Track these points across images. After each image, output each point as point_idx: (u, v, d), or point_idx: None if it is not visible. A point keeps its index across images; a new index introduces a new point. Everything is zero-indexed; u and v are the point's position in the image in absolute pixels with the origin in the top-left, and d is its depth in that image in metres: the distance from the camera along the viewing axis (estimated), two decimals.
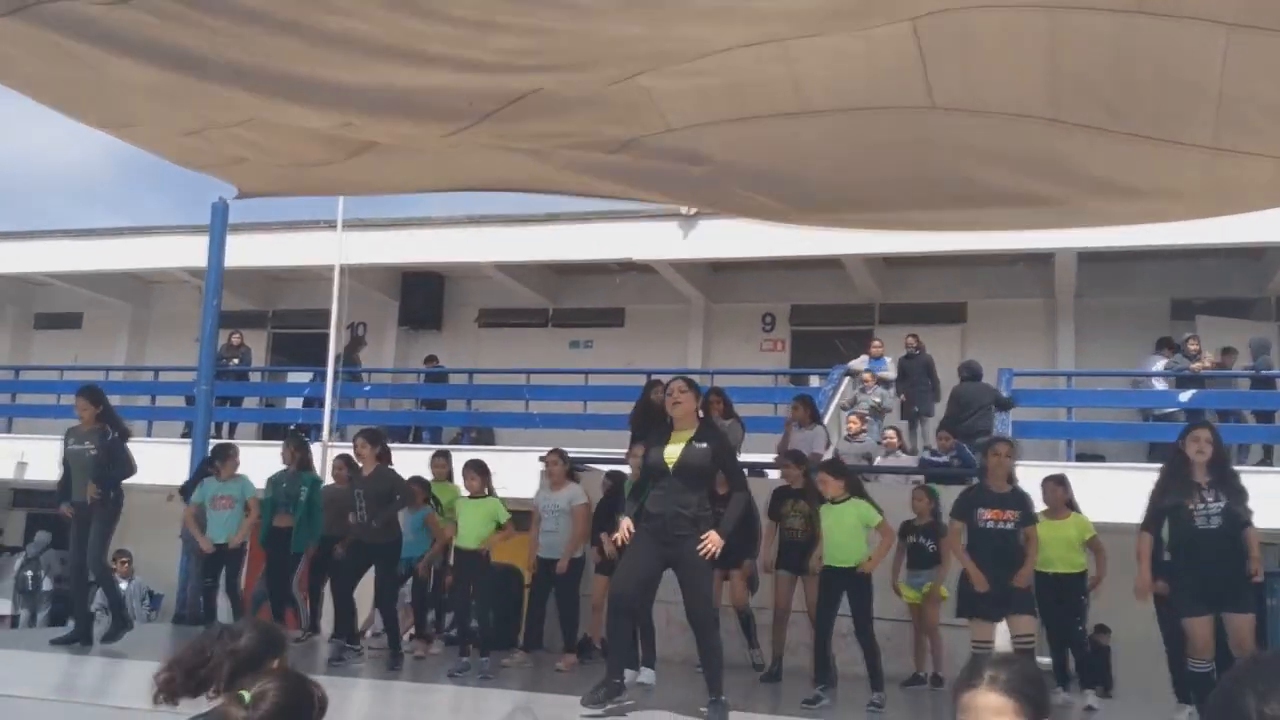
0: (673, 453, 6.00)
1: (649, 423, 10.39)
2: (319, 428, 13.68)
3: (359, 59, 4.39)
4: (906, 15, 3.90)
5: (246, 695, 2.39)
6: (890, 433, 12.48)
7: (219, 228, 11.26)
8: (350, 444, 9.38)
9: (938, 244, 14.86)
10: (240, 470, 9.10)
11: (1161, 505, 6.46)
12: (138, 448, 8.57)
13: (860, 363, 14.22)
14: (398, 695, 7.30)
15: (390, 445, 8.71)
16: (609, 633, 6.33)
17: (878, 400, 12.70)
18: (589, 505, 8.57)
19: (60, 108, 5.39)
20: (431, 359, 17.32)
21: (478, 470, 8.19)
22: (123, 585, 13.83)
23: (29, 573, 15.15)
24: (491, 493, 8.18)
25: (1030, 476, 8.23)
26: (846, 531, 7.06)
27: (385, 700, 7.21)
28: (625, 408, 11.32)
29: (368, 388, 17.19)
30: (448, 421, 16.68)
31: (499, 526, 8.04)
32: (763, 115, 4.80)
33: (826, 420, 12.28)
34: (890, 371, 14.07)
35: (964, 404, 13.11)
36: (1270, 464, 13.17)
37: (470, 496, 8.19)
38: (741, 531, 7.60)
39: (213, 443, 11.08)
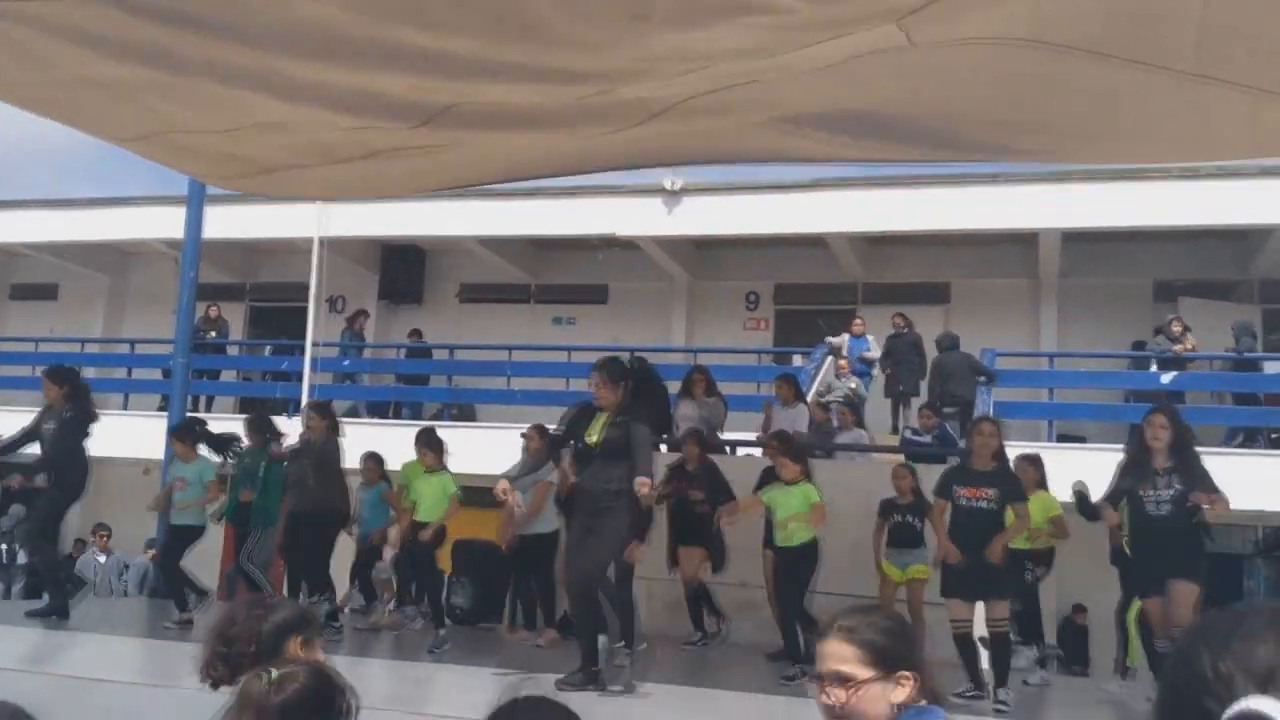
0: (596, 434, 6.34)
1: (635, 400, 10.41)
2: (297, 403, 13.56)
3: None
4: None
5: (273, 674, 2.32)
6: (844, 410, 12.46)
7: (196, 199, 11.08)
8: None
9: (921, 223, 14.88)
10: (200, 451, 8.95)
11: (1119, 487, 6.58)
12: (115, 421, 8.51)
13: (841, 340, 14.21)
14: (376, 671, 7.26)
15: (369, 421, 8.66)
16: (577, 622, 6.53)
17: (853, 387, 12.65)
18: (550, 483, 8.53)
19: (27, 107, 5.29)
20: (415, 333, 17.23)
21: (430, 443, 8.17)
22: (101, 559, 13.78)
23: (3, 546, 15.03)
24: (444, 466, 8.19)
25: (1010, 457, 8.23)
26: (793, 514, 7.21)
27: (364, 676, 7.14)
28: None
29: (346, 362, 17.07)
30: (428, 398, 16.60)
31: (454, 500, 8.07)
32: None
33: (810, 399, 12.25)
34: (874, 350, 14.07)
35: (944, 374, 13.20)
36: (1253, 446, 13.24)
37: (426, 471, 8.17)
38: (704, 519, 8.06)
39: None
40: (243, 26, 4.13)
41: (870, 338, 14.23)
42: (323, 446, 8.41)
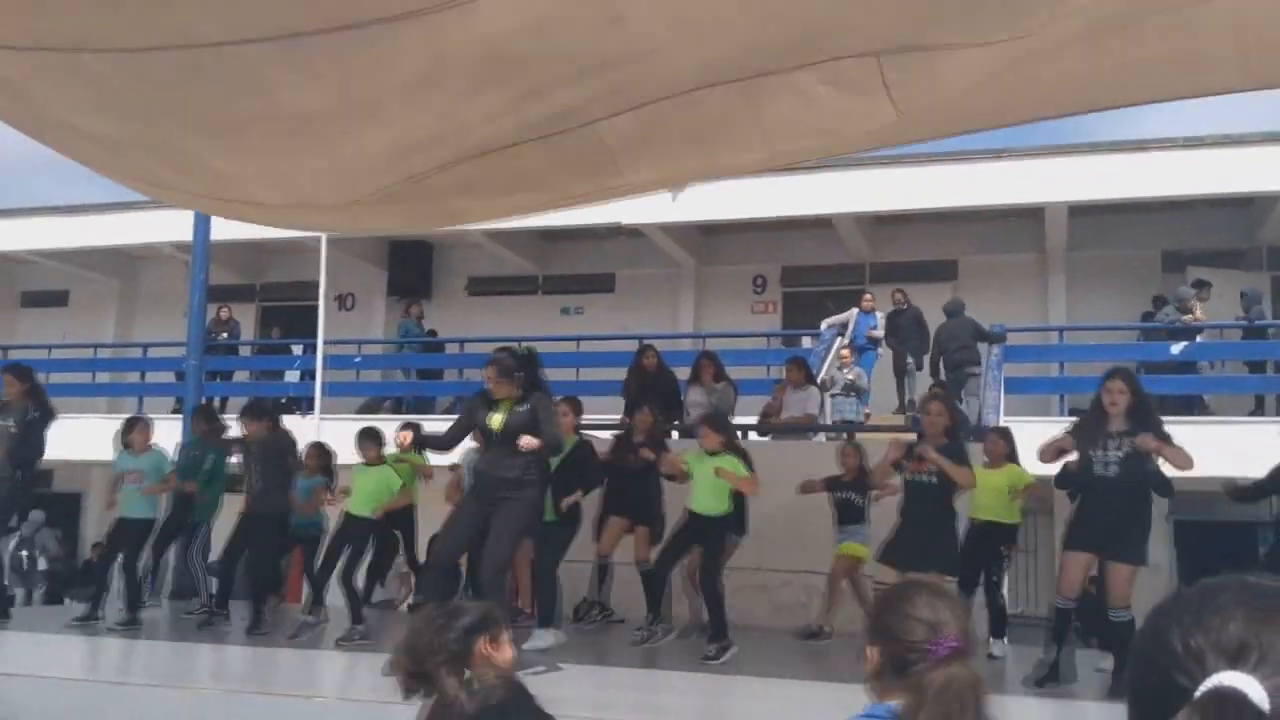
0: (498, 419, 6.42)
1: (644, 387, 10.45)
2: (310, 400, 13.62)
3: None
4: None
5: (473, 683, 2.38)
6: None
7: None
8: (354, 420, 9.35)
9: (927, 201, 14.84)
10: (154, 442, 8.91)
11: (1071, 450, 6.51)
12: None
13: (850, 315, 14.15)
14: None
15: (382, 416, 8.71)
16: (425, 590, 6.72)
17: (852, 378, 12.53)
18: None
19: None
20: (414, 309, 17.08)
21: (372, 438, 8.23)
22: None
23: (24, 553, 15.11)
24: (384, 460, 8.26)
25: (1026, 434, 8.23)
26: (710, 483, 7.26)
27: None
28: (618, 374, 11.31)
29: (358, 359, 17.12)
30: (440, 391, 16.63)
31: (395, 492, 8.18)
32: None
33: (820, 379, 12.26)
34: (880, 329, 14.02)
35: (945, 340, 13.22)
36: (1261, 414, 13.21)
37: (365, 464, 8.20)
38: (638, 490, 8.24)
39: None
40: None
41: (879, 314, 14.16)
42: (266, 446, 8.41)
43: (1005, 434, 8.04)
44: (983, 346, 13.37)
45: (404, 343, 16.54)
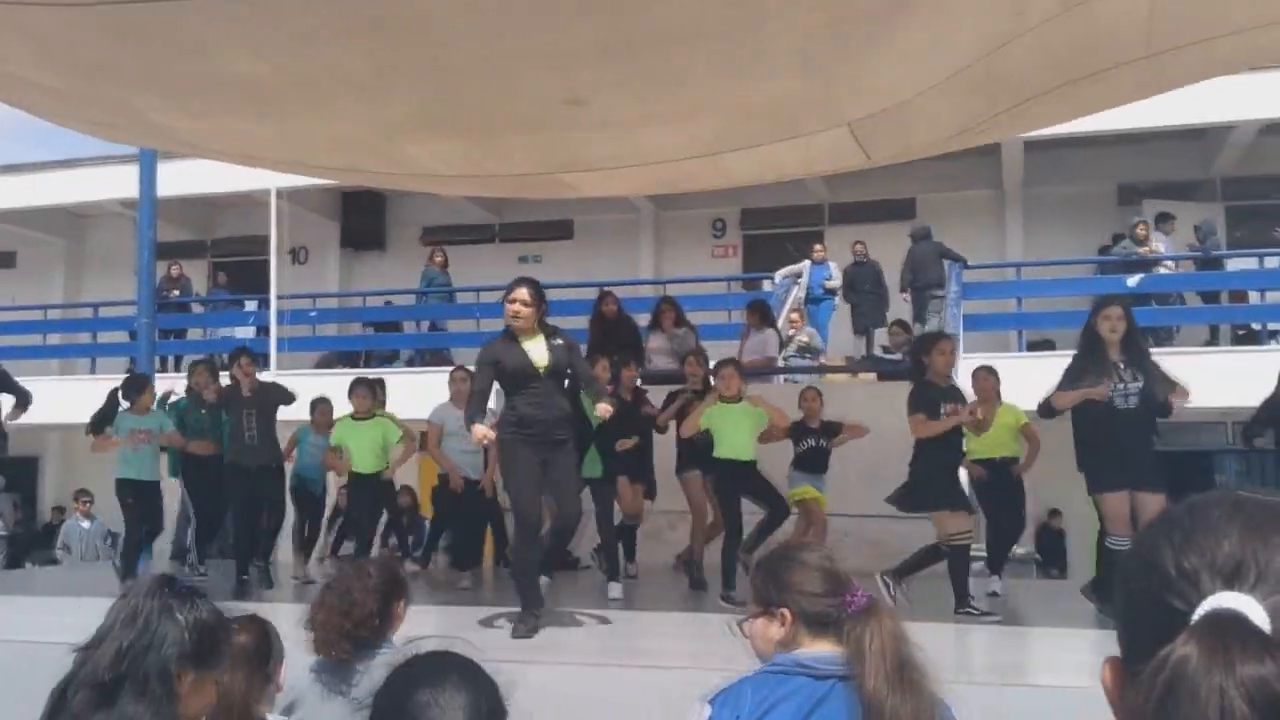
0: (540, 356, 5.89)
1: (605, 335, 10.40)
2: (266, 356, 13.44)
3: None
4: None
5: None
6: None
7: (149, 156, 10.86)
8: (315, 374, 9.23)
9: None
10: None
11: (1080, 386, 6.32)
12: (83, 386, 8.42)
13: (802, 267, 13.98)
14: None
15: (340, 372, 8.63)
16: (520, 563, 6.10)
17: (805, 340, 12.46)
18: None
19: None
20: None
21: (366, 388, 8.08)
22: (85, 525, 13.68)
23: None
24: (376, 412, 8.17)
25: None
26: (739, 428, 7.23)
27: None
28: (580, 322, 11.23)
29: (313, 313, 16.92)
30: (399, 344, 16.49)
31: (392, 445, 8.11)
32: None
33: (780, 324, 12.25)
34: (835, 278, 13.82)
35: (914, 263, 13.29)
36: (1215, 344, 13.38)
37: (355, 417, 8.05)
38: (636, 449, 7.91)
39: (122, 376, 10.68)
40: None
41: (832, 264, 13.96)
42: (261, 396, 8.27)
43: (993, 371, 7.97)
44: (949, 267, 13.34)
45: (428, 292, 15.75)
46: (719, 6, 3.85)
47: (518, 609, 5.82)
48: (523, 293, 5.88)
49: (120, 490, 8.38)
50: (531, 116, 4.59)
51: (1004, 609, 6.92)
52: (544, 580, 6.50)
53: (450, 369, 8.97)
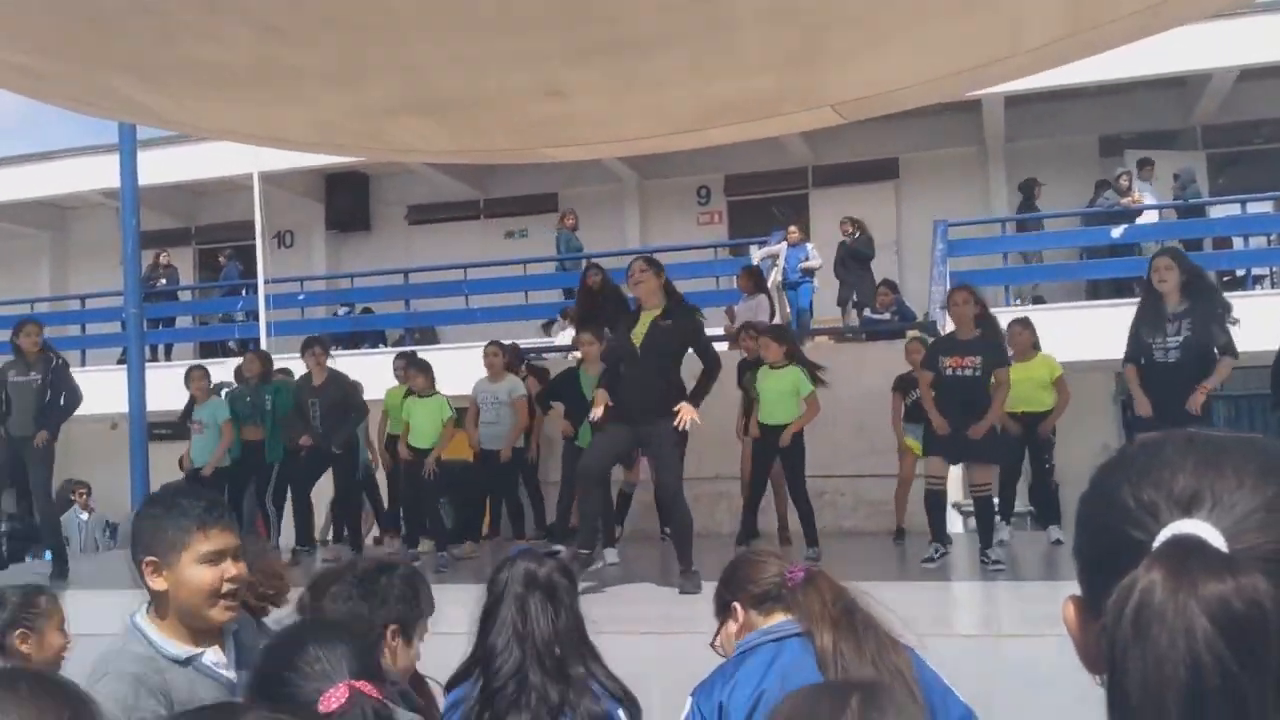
0: (639, 332, 6.04)
1: (592, 308, 10.41)
2: (256, 341, 13.44)
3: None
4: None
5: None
6: None
7: (128, 145, 10.80)
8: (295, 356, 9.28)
9: None
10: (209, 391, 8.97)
11: (1139, 343, 6.40)
12: (75, 378, 8.41)
13: (779, 249, 13.68)
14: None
15: (334, 352, 8.69)
16: (583, 504, 6.44)
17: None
18: (527, 396, 8.60)
19: None
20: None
21: (421, 368, 8.15)
22: (83, 517, 13.72)
23: None
24: (435, 389, 8.23)
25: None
26: (781, 395, 7.34)
27: None
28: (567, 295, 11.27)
29: (301, 296, 16.89)
30: (388, 324, 16.48)
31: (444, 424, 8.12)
32: None
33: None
34: (814, 260, 13.44)
35: None
36: None
37: (419, 395, 8.15)
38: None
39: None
40: None
41: (809, 245, 13.61)
42: (331, 384, 8.44)
43: (1027, 324, 7.97)
44: (934, 224, 13.23)
45: (563, 259, 15.21)
46: (692, 12, 3.89)
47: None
48: (638, 263, 6.23)
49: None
50: (510, 105, 4.61)
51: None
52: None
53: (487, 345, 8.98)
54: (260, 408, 8.92)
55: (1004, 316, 8.73)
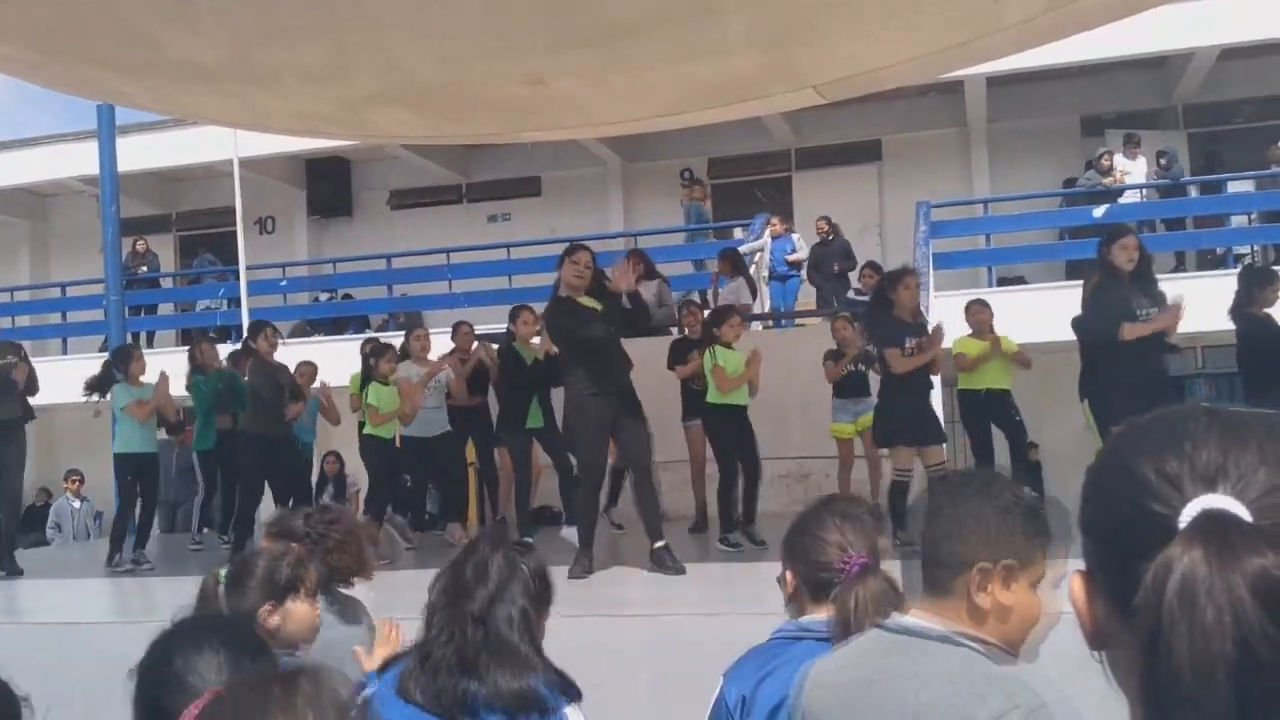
0: (594, 305, 6.32)
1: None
2: (238, 328, 13.38)
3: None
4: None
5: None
6: None
7: (107, 131, 10.74)
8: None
9: None
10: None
11: (1126, 305, 6.31)
12: (56, 366, 8.37)
13: (762, 243, 13.49)
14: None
15: (315, 341, 8.64)
16: (587, 506, 6.52)
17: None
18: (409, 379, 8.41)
19: None
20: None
21: (379, 353, 8.24)
22: (75, 505, 13.62)
23: None
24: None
25: (955, 306, 8.38)
26: (739, 374, 7.32)
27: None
28: (552, 279, 11.21)
29: (284, 282, 16.81)
30: (372, 309, 16.42)
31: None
32: None
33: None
34: (800, 251, 13.30)
35: None
36: (1183, 270, 13.50)
37: (382, 380, 8.15)
38: None
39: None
40: None
41: (795, 236, 13.43)
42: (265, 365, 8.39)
43: (986, 304, 8.18)
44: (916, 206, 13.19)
45: (692, 230, 14.92)
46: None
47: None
48: (585, 255, 6.40)
49: (121, 465, 8.21)
50: (492, 94, 4.63)
51: None
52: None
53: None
54: (239, 393, 8.74)
55: (987, 299, 8.81)
